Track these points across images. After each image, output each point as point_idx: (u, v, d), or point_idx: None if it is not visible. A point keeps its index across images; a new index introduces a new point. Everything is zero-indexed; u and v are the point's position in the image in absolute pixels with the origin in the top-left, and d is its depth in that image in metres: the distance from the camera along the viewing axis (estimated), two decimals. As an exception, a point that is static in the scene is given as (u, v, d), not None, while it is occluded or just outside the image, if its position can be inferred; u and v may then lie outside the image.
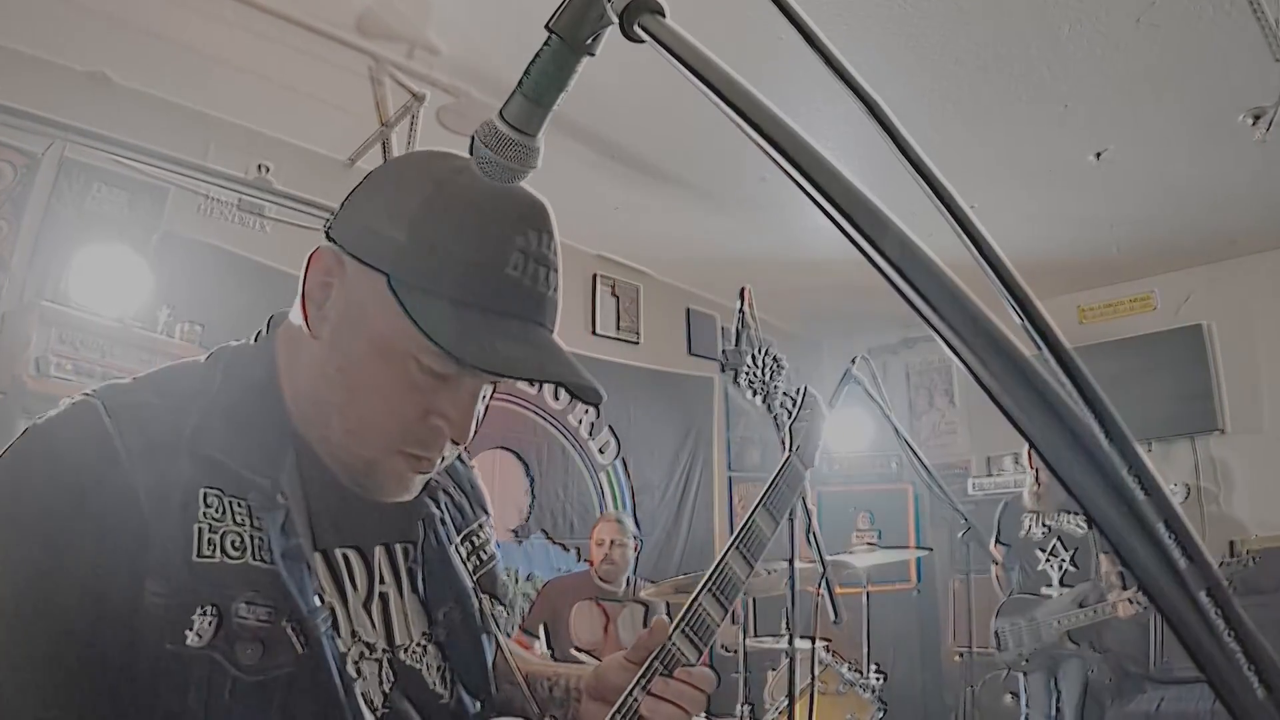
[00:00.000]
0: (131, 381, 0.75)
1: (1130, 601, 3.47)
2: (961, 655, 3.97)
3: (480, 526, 0.95)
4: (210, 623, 0.64)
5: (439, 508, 0.88)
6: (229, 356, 0.79)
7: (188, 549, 0.66)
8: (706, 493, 5.07)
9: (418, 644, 0.81)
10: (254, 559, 0.68)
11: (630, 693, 0.85)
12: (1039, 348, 0.33)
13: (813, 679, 2.63)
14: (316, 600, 0.71)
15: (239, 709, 0.65)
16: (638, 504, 4.57)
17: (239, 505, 0.69)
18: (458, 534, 0.91)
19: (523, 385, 4.17)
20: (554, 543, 4.18)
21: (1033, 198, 3.90)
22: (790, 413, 1.23)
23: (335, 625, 0.73)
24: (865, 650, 3.34)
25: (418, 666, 0.80)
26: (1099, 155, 3.49)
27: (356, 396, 0.73)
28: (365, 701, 0.73)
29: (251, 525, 0.69)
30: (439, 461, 0.78)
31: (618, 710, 0.84)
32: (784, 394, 1.28)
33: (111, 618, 0.63)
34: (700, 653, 0.90)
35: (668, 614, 3.56)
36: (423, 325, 0.68)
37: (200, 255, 3.06)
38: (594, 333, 4.66)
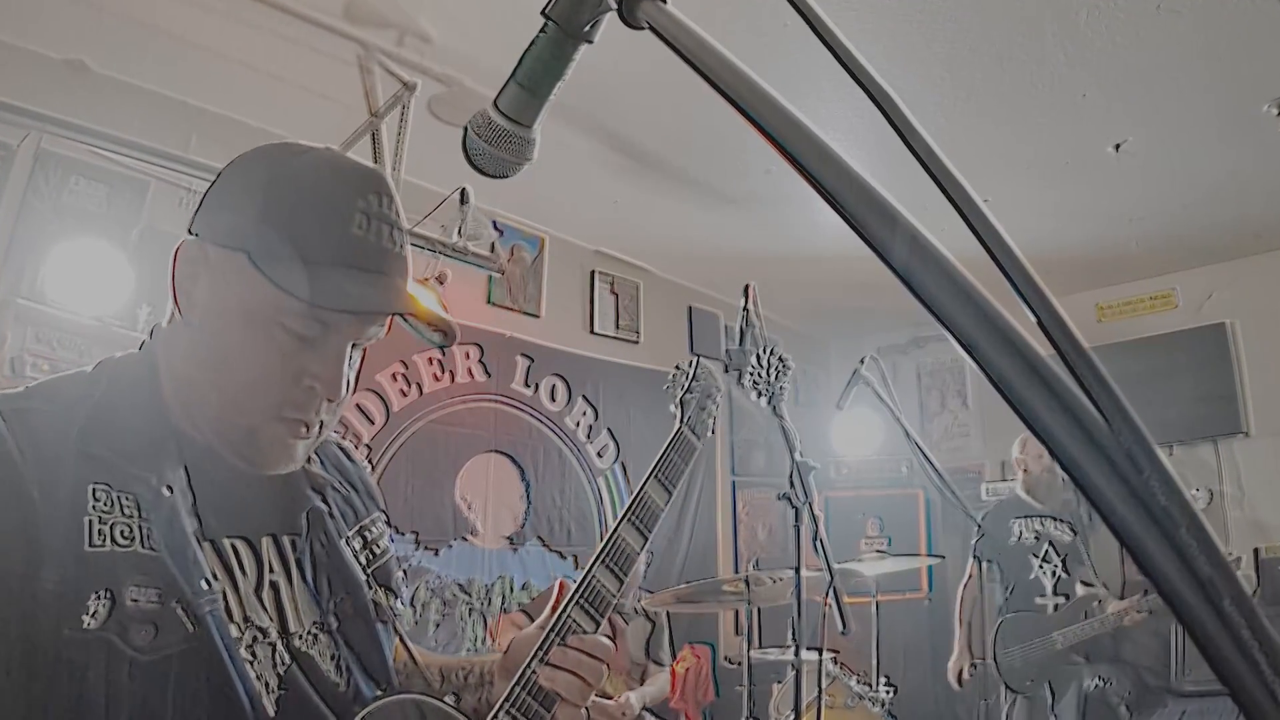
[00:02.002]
0: (24, 390, 0.83)
1: (1138, 610, 3.48)
2: (975, 667, 3.96)
3: (373, 522, 1.04)
4: (105, 606, 0.72)
5: (326, 503, 0.96)
6: (113, 364, 0.88)
7: (79, 540, 0.73)
8: (709, 498, 5.06)
9: (309, 631, 0.89)
10: (142, 547, 0.76)
11: (529, 664, 0.93)
12: (1055, 347, 0.33)
13: (820, 692, 2.63)
14: (204, 584, 0.78)
15: (138, 689, 0.72)
16: (638, 510, 4.57)
17: (127, 499, 0.77)
18: (349, 528, 0.99)
19: (517, 386, 4.18)
20: (550, 550, 4.18)
21: (1049, 191, 3.90)
22: (684, 385, 1.29)
23: (228, 610, 0.81)
24: (874, 662, 3.35)
25: (311, 653, 0.88)
26: (1118, 147, 3.48)
27: (231, 369, 0.83)
28: (262, 683, 0.81)
29: (140, 516, 0.77)
30: (318, 426, 0.87)
31: (517, 682, 0.93)
32: (676, 366, 1.34)
33: (11, 608, 0.70)
34: (597, 624, 0.98)
35: (669, 625, 3.57)
36: (280, 283, 0.79)
37: (182, 251, 3.06)
38: (592, 331, 4.66)
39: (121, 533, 0.75)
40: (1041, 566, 3.77)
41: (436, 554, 3.73)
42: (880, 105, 0.38)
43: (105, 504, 0.76)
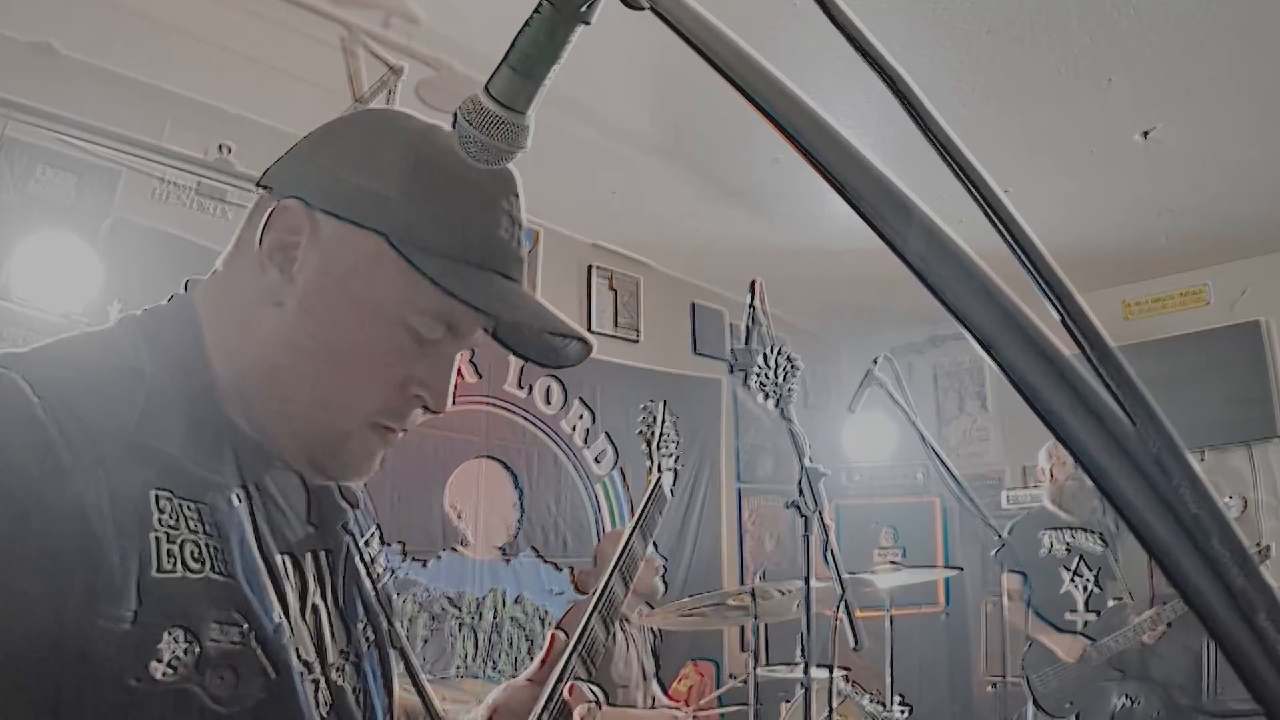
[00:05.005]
0: (31, 351, 0.67)
1: (1160, 620, 3.47)
2: (995, 686, 3.96)
3: (371, 538, 0.95)
4: (185, 649, 0.59)
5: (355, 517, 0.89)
6: (144, 328, 0.75)
7: (147, 564, 0.60)
8: (713, 506, 5.07)
9: (340, 662, 0.80)
10: (213, 571, 0.64)
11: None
12: (1080, 346, 0.33)
13: (830, 711, 2.63)
14: (277, 616, 0.68)
15: None
16: (638, 519, 4.57)
17: (190, 509, 0.64)
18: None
19: (510, 388, 4.18)
20: (545, 561, 4.18)
21: (1073, 181, 3.90)
22: (655, 433, 1.40)
23: None
24: (888, 680, 3.34)
25: (344, 687, 0.78)
26: (1146, 134, 3.48)
27: (335, 365, 0.74)
28: None
29: (204, 531, 0.64)
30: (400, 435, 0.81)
31: None
32: (643, 408, 1.45)
33: (61, 653, 0.56)
34: (591, 674, 1.08)
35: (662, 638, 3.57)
36: (435, 277, 0.71)
37: (155, 244, 3.05)
38: (589, 329, 4.64)
39: (191, 554, 0.62)
40: (1073, 580, 3.76)
41: (424, 565, 3.73)
42: (895, 90, 0.38)
43: (171, 517, 0.62)
